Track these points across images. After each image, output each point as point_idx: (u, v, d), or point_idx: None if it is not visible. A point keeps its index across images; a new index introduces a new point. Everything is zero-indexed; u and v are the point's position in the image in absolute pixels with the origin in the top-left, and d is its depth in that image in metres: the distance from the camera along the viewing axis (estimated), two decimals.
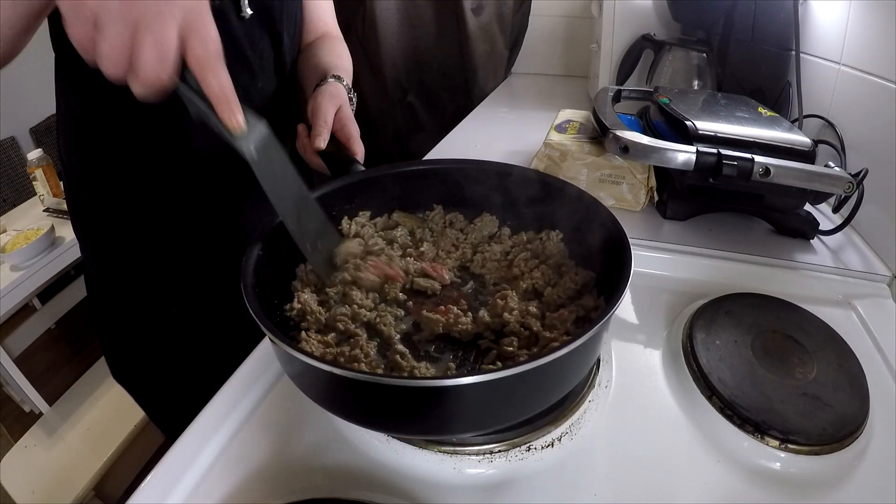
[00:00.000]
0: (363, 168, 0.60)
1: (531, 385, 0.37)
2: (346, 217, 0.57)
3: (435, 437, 0.44)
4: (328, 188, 0.56)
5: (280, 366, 0.52)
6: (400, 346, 0.45)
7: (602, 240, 0.49)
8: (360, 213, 0.58)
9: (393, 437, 0.44)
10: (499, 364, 0.43)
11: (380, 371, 0.43)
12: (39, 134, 2.23)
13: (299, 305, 0.48)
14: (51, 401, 1.63)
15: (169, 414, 0.84)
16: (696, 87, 1.03)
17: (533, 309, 0.47)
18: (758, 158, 0.60)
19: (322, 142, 0.61)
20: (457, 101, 1.43)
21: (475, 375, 0.34)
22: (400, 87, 1.41)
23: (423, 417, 0.39)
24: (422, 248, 0.56)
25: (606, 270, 0.49)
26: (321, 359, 0.36)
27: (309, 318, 0.47)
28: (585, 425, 0.46)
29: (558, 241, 0.55)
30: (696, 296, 0.60)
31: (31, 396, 1.58)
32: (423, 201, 0.61)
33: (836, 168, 0.63)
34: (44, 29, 0.53)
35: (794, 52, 0.84)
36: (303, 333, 0.45)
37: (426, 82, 1.42)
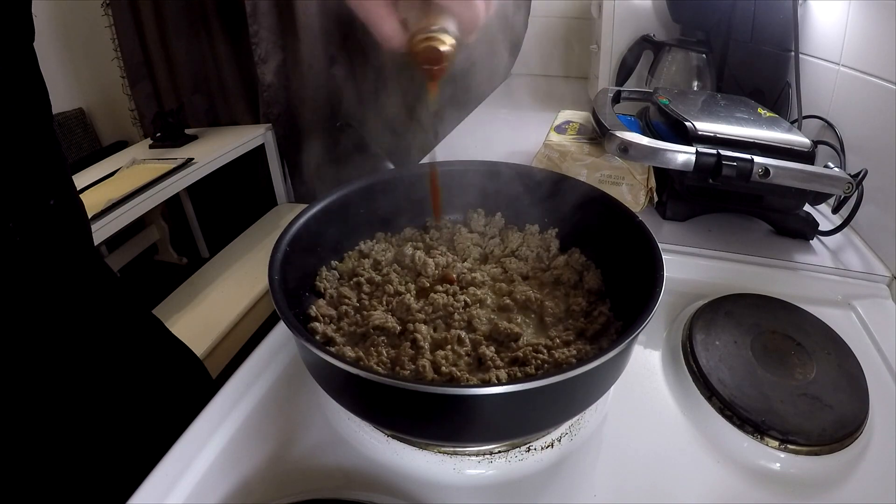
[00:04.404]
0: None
1: (576, 389, 0.37)
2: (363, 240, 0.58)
3: (455, 444, 0.43)
4: (355, 186, 0.54)
5: (283, 364, 0.53)
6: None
7: (621, 244, 0.49)
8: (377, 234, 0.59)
9: (392, 438, 0.44)
10: (516, 369, 0.43)
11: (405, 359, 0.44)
12: None
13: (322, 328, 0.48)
14: None
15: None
16: (695, 88, 1.03)
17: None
18: (757, 159, 0.60)
19: None
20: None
21: (512, 385, 0.33)
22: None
23: (445, 424, 0.38)
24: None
25: (613, 268, 0.49)
26: (342, 357, 0.36)
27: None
28: (585, 426, 0.46)
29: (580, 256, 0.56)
30: (696, 296, 0.60)
31: None
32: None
33: (836, 168, 0.63)
34: None
35: (793, 53, 0.84)
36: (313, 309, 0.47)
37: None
